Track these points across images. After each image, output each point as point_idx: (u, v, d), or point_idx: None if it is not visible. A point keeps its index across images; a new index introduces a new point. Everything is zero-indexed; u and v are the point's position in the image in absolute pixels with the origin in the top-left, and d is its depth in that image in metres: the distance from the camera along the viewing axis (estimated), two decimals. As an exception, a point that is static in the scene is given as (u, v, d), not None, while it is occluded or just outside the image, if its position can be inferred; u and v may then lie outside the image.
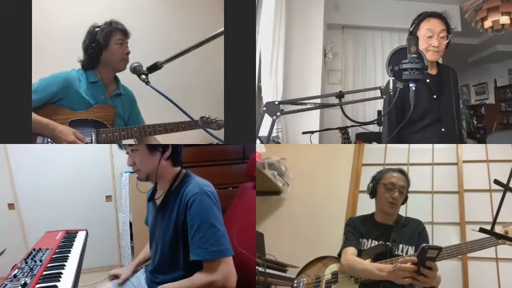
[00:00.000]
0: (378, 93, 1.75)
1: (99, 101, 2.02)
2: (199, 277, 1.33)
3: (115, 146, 3.18)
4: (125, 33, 2.03)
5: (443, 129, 1.92)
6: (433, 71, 1.95)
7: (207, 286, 1.31)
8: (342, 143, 2.63)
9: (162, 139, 2.12)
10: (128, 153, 1.48)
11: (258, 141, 1.95)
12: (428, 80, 1.92)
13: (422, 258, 1.32)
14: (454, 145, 2.57)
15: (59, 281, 1.41)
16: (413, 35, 1.80)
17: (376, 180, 1.79)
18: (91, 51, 1.99)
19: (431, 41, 1.87)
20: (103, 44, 1.98)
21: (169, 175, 1.50)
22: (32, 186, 3.03)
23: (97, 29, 1.99)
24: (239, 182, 2.17)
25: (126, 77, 2.05)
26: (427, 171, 2.59)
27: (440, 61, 2.05)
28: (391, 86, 1.57)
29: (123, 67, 2.05)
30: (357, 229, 1.76)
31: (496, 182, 1.43)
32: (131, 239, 2.93)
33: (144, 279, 1.62)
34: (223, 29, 1.50)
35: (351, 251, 1.67)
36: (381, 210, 1.76)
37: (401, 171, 1.78)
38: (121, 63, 2.02)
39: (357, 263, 1.60)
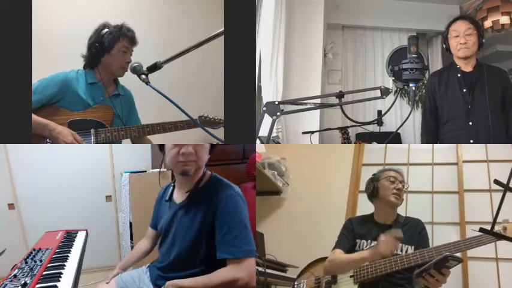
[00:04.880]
0: (378, 93, 1.76)
1: (97, 102, 2.02)
2: (222, 273, 1.34)
3: (115, 146, 3.20)
4: (131, 41, 2.02)
5: (470, 123, 2.02)
6: (467, 68, 2.09)
7: (230, 283, 1.32)
8: (342, 143, 2.63)
9: (162, 139, 2.12)
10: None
11: (258, 141, 1.95)
12: (459, 75, 2.07)
13: (441, 264, 1.34)
14: (454, 145, 2.57)
15: (59, 281, 1.41)
16: (412, 38, 1.88)
17: (376, 179, 1.79)
18: (93, 50, 1.98)
19: (458, 39, 2.03)
20: (107, 47, 1.97)
21: (200, 174, 1.51)
22: (32, 186, 3.03)
23: (106, 30, 1.97)
24: (239, 182, 2.17)
25: (126, 77, 2.05)
26: (427, 171, 2.59)
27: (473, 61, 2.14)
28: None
29: (121, 74, 2.05)
30: (353, 231, 1.77)
31: (496, 182, 1.43)
32: (131, 239, 2.93)
33: (147, 277, 1.62)
34: (223, 29, 1.50)
35: (338, 252, 1.69)
36: (386, 205, 1.75)
37: (398, 171, 1.80)
38: (119, 70, 2.02)
39: (337, 259, 1.64)
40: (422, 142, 2.28)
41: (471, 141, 2.05)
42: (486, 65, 2.11)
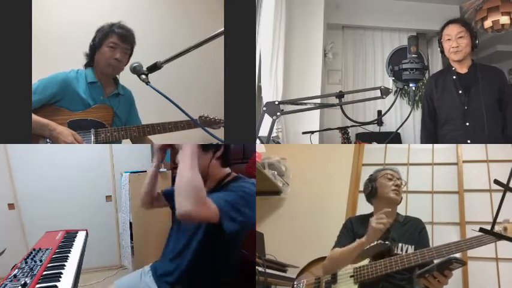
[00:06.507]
0: (378, 93, 1.76)
1: (97, 101, 2.02)
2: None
3: (115, 146, 3.20)
4: (121, 38, 1.99)
5: (467, 124, 2.05)
6: (463, 70, 2.13)
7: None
8: (342, 143, 2.63)
9: (162, 139, 2.12)
10: (172, 149, 1.47)
11: (258, 141, 1.95)
12: (454, 77, 2.11)
13: (444, 266, 1.35)
14: (454, 145, 2.57)
15: (59, 281, 1.41)
16: (412, 38, 1.89)
17: (373, 179, 1.80)
18: (89, 48, 2.02)
19: (450, 43, 2.08)
20: (97, 44, 1.99)
21: (217, 175, 1.48)
22: (32, 186, 3.03)
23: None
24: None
25: (126, 77, 2.05)
26: (427, 171, 2.59)
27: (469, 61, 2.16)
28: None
29: (110, 71, 2.02)
30: (353, 230, 1.77)
31: (496, 182, 1.43)
32: (131, 239, 2.93)
33: (149, 277, 1.61)
34: (223, 29, 1.49)
35: (336, 251, 1.69)
36: (386, 202, 1.74)
37: (394, 170, 1.81)
38: (107, 67, 2.00)
39: (335, 253, 1.64)
40: (422, 143, 2.31)
41: (468, 141, 2.07)
42: (481, 65, 2.14)
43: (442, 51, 2.14)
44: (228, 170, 1.52)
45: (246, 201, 1.34)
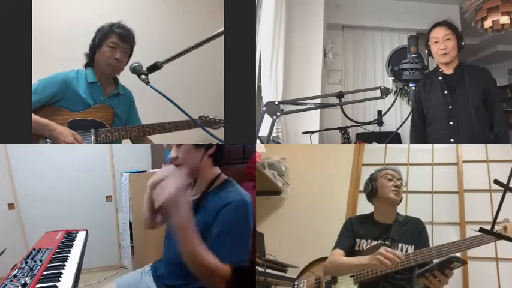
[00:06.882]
0: (378, 93, 1.76)
1: (98, 101, 2.02)
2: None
3: (115, 146, 3.20)
4: (121, 38, 1.99)
5: (451, 123, 2.08)
6: (449, 71, 2.16)
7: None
8: (342, 143, 2.63)
9: (162, 139, 2.12)
10: (170, 148, 1.46)
11: (258, 141, 1.95)
12: (440, 78, 2.15)
13: (445, 266, 1.36)
14: (454, 145, 2.57)
15: (59, 281, 1.41)
16: (412, 38, 1.91)
17: (373, 178, 1.81)
18: (89, 48, 2.02)
19: (438, 45, 2.10)
20: (97, 44, 1.99)
21: (208, 175, 1.46)
22: (32, 186, 3.03)
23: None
24: (239, 182, 2.17)
25: (126, 77, 2.05)
26: (427, 171, 2.59)
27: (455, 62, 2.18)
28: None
29: (109, 71, 2.02)
30: (353, 230, 1.77)
31: (496, 182, 1.43)
32: (131, 239, 2.93)
33: (149, 277, 1.61)
34: (223, 29, 1.50)
35: (338, 252, 1.69)
36: (386, 203, 1.75)
37: (395, 170, 1.81)
38: (107, 67, 2.00)
39: (337, 261, 1.64)
40: (411, 142, 2.35)
41: (452, 140, 2.11)
42: (467, 66, 2.18)
43: (430, 54, 2.18)
44: (218, 170, 1.50)
45: (242, 226, 1.33)
